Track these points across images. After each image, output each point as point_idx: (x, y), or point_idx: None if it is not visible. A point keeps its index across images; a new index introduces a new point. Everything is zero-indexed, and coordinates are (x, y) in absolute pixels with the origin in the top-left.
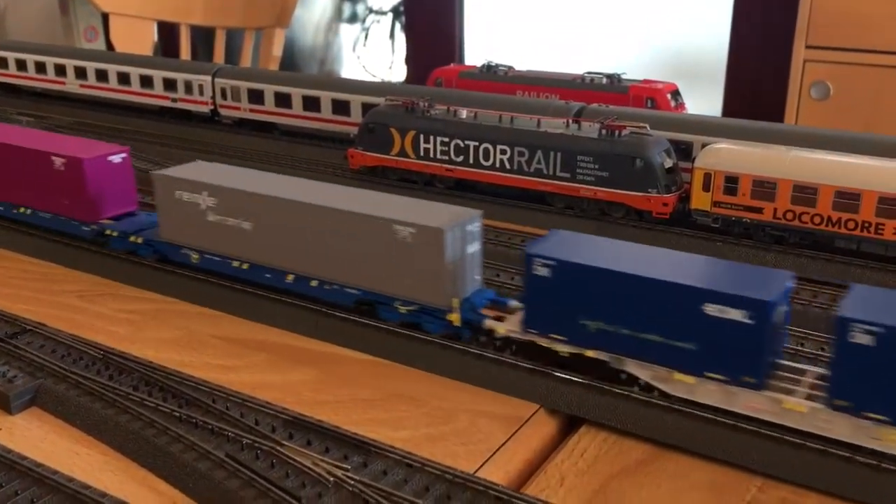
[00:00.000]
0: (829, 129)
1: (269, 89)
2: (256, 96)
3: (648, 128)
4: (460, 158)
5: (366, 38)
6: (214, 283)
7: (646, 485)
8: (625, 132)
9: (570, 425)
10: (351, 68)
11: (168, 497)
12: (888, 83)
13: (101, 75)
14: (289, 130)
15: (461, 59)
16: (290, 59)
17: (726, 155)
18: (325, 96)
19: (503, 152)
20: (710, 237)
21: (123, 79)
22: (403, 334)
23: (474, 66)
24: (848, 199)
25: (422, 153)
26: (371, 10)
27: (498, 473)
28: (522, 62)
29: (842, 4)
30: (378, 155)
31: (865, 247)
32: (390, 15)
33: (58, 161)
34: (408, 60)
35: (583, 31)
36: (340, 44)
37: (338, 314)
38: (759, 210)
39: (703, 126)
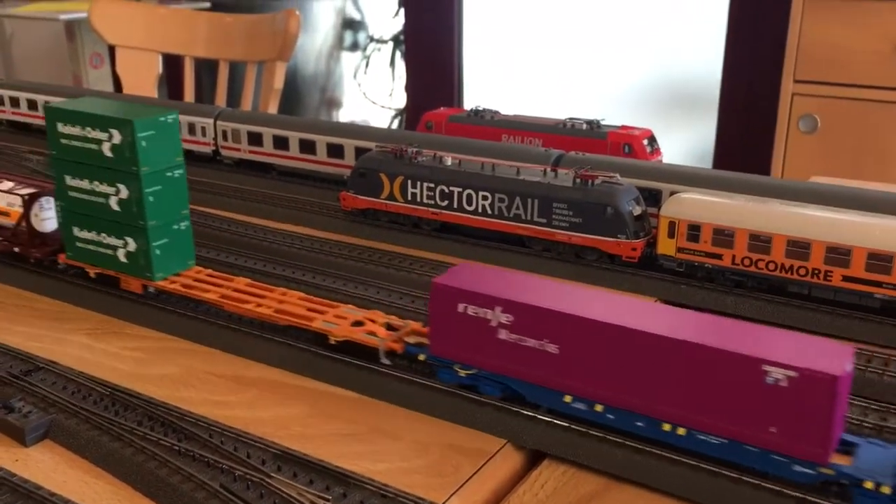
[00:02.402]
0: (791, 181)
1: (268, 132)
2: (255, 138)
3: (619, 177)
4: (445, 203)
5: (366, 65)
6: (211, 322)
7: None
8: (597, 181)
9: (533, 460)
10: (352, 95)
11: None
12: (873, 116)
13: None
14: (286, 171)
15: (460, 89)
16: (293, 87)
17: (689, 204)
18: (321, 140)
19: (485, 198)
20: (676, 280)
21: None
22: (386, 373)
23: (463, 110)
24: (799, 247)
25: (409, 197)
26: (372, 39)
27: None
28: (521, 94)
29: (828, 40)
30: (368, 198)
31: (816, 292)
32: (391, 44)
33: (777, 373)
34: (407, 88)
35: (582, 60)
36: (342, 71)
37: (327, 354)
38: (719, 256)
39: (671, 175)
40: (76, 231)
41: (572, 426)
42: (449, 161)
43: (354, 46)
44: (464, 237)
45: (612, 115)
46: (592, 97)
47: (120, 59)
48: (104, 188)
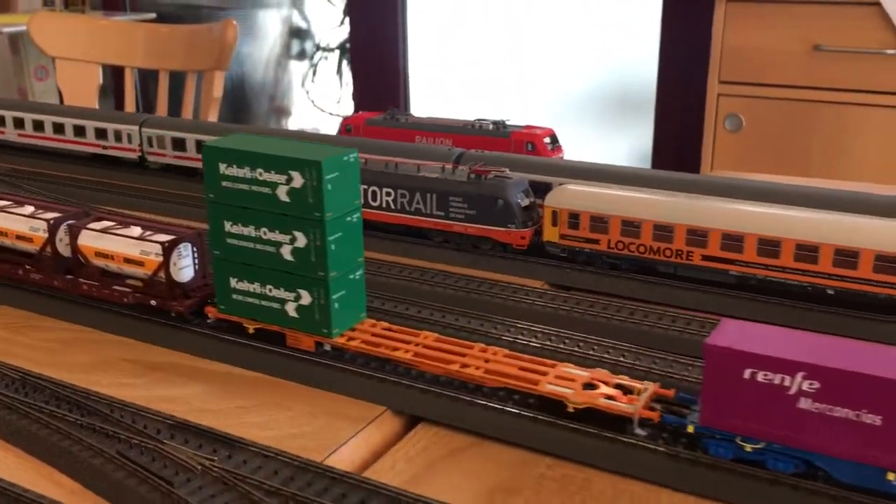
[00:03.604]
0: (664, 172)
1: (191, 138)
2: (180, 144)
3: (508, 171)
4: None
5: (314, 74)
6: (125, 313)
7: (461, 465)
8: (489, 176)
9: (411, 424)
10: (300, 103)
11: (68, 488)
12: (793, 114)
13: (38, 125)
14: None
15: (406, 95)
16: (242, 96)
17: (569, 194)
18: None
19: (388, 194)
20: (560, 265)
21: (58, 128)
22: (285, 354)
23: (379, 114)
24: (664, 231)
25: None
26: (318, 47)
27: (342, 462)
28: (467, 99)
29: (749, 42)
30: None
31: (680, 271)
32: (337, 51)
33: None
34: (354, 95)
35: (527, 65)
36: (290, 80)
37: (232, 339)
38: (596, 241)
39: (559, 169)
40: (233, 282)
41: (444, 392)
42: None
43: (302, 55)
44: (370, 231)
45: (556, 119)
46: (537, 101)
47: (60, 70)
48: (275, 236)
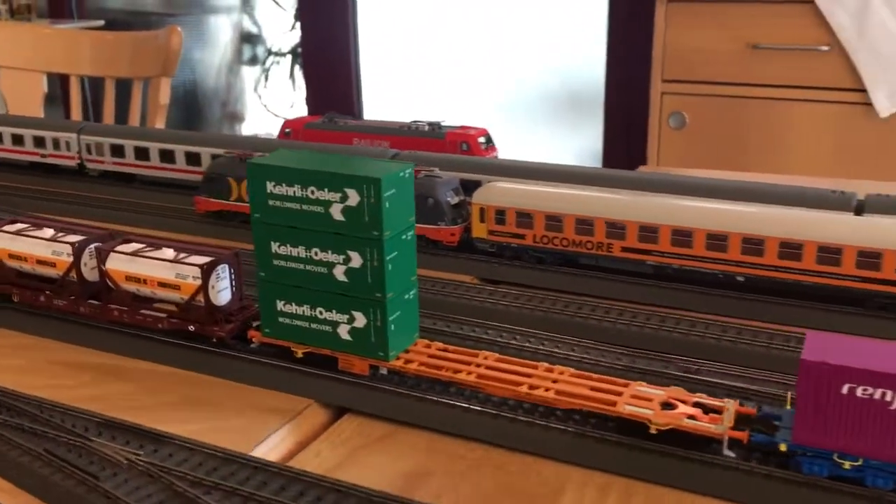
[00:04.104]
0: (593, 168)
1: (130, 144)
2: (118, 150)
3: (438, 170)
4: None
5: (266, 79)
6: (52, 316)
7: (382, 451)
8: (419, 175)
9: (338, 416)
10: (253, 108)
11: None
12: (734, 111)
13: None
14: (147, 180)
15: (359, 98)
16: (194, 102)
17: (496, 192)
18: (179, 149)
19: None
20: (489, 260)
21: None
22: (209, 350)
23: (319, 118)
24: (585, 225)
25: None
26: (270, 52)
27: (268, 454)
28: (419, 101)
29: (689, 42)
30: (219, 201)
31: (602, 263)
32: (289, 56)
33: None
34: (307, 100)
35: (479, 67)
36: (242, 85)
37: (153, 336)
38: (522, 236)
39: (489, 167)
40: (280, 305)
41: (365, 383)
42: None
43: (254, 60)
44: None
45: (509, 120)
46: (490, 103)
47: (4, 79)
48: (328, 256)
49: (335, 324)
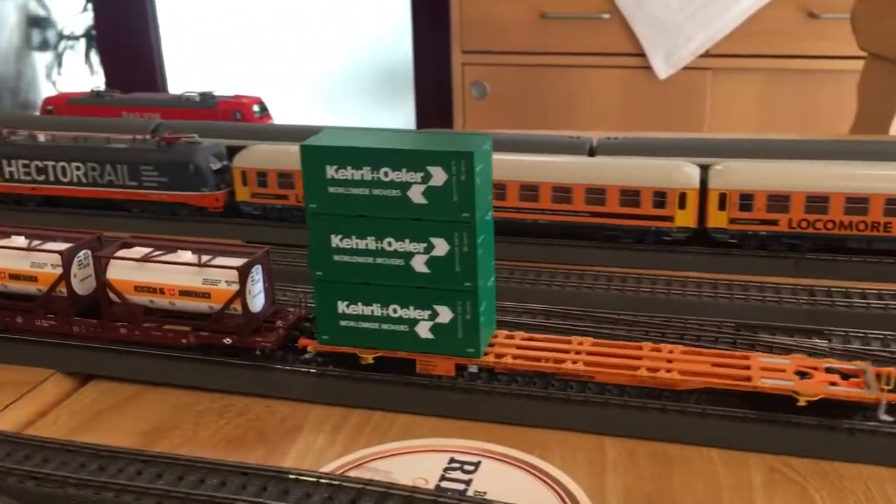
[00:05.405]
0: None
1: None
2: None
3: (197, 136)
4: (42, 178)
5: (59, 64)
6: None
7: (126, 412)
8: (179, 143)
9: (84, 383)
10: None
11: None
12: (530, 78)
13: None
14: None
15: (163, 77)
16: None
17: (255, 155)
18: None
19: (78, 168)
20: (257, 223)
21: None
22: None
23: (84, 93)
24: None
25: (7, 176)
26: (62, 36)
27: (5, 424)
28: (230, 78)
29: (485, 13)
30: None
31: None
32: (83, 40)
33: None
34: (107, 85)
35: (293, 45)
36: (34, 72)
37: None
38: (285, 197)
39: (251, 132)
40: (342, 307)
41: (110, 348)
42: (42, 137)
43: (44, 45)
44: (68, 209)
45: (326, 96)
46: (305, 80)
47: None
48: (405, 245)
49: (413, 322)
